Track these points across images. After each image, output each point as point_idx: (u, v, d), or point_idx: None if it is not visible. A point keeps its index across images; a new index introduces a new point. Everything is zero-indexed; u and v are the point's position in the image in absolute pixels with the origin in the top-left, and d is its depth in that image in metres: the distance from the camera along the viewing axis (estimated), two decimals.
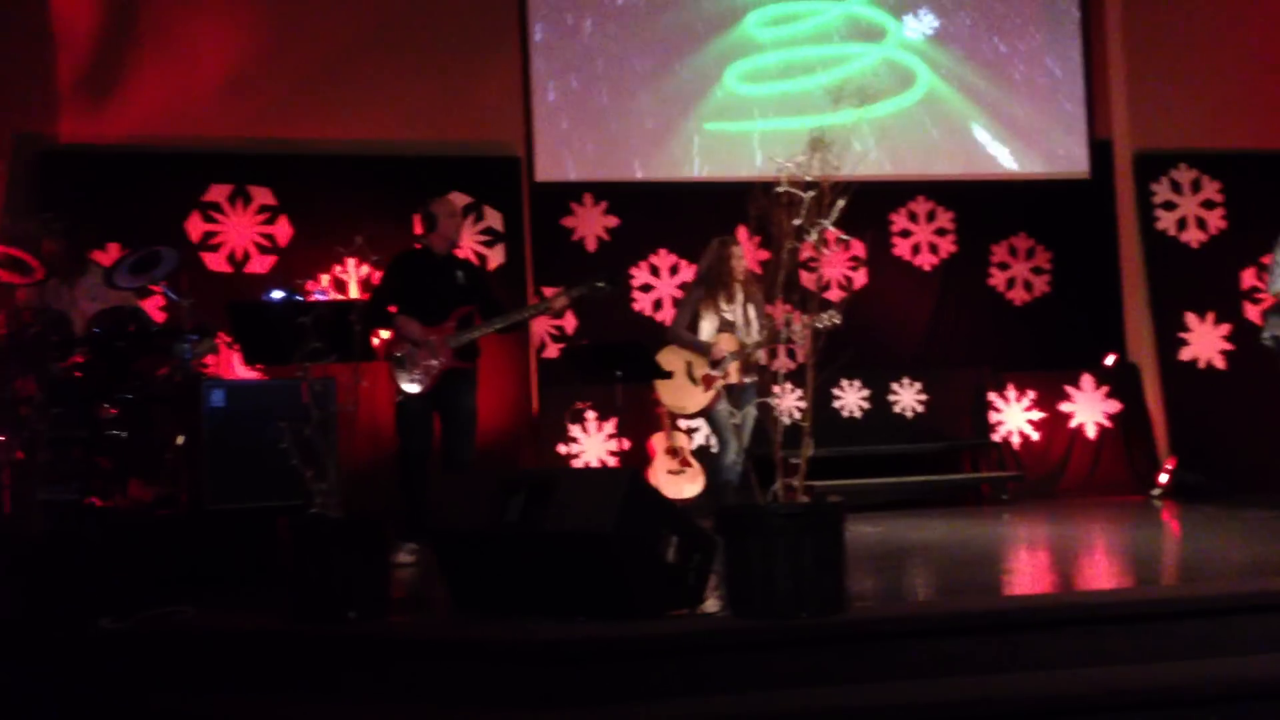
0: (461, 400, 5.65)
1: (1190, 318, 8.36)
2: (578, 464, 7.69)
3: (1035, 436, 8.34)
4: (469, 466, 5.64)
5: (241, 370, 6.41)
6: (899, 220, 8.68)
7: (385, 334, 5.82)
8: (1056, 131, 8.83)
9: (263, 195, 7.64)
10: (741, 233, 6.98)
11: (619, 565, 3.71)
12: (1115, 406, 8.39)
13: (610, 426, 7.73)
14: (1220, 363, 8.30)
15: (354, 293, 7.40)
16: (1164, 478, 7.91)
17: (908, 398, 8.24)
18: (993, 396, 8.32)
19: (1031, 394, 8.37)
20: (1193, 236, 8.49)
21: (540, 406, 7.90)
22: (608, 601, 3.74)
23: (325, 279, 7.39)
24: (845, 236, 3.87)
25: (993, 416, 8.30)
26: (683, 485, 7.20)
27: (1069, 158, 8.84)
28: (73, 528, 4.82)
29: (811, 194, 3.68)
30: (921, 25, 8.68)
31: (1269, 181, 8.34)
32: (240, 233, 7.59)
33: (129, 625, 4.03)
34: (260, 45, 7.70)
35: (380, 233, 6.57)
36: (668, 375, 6.09)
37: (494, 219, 7.93)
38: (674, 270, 8.31)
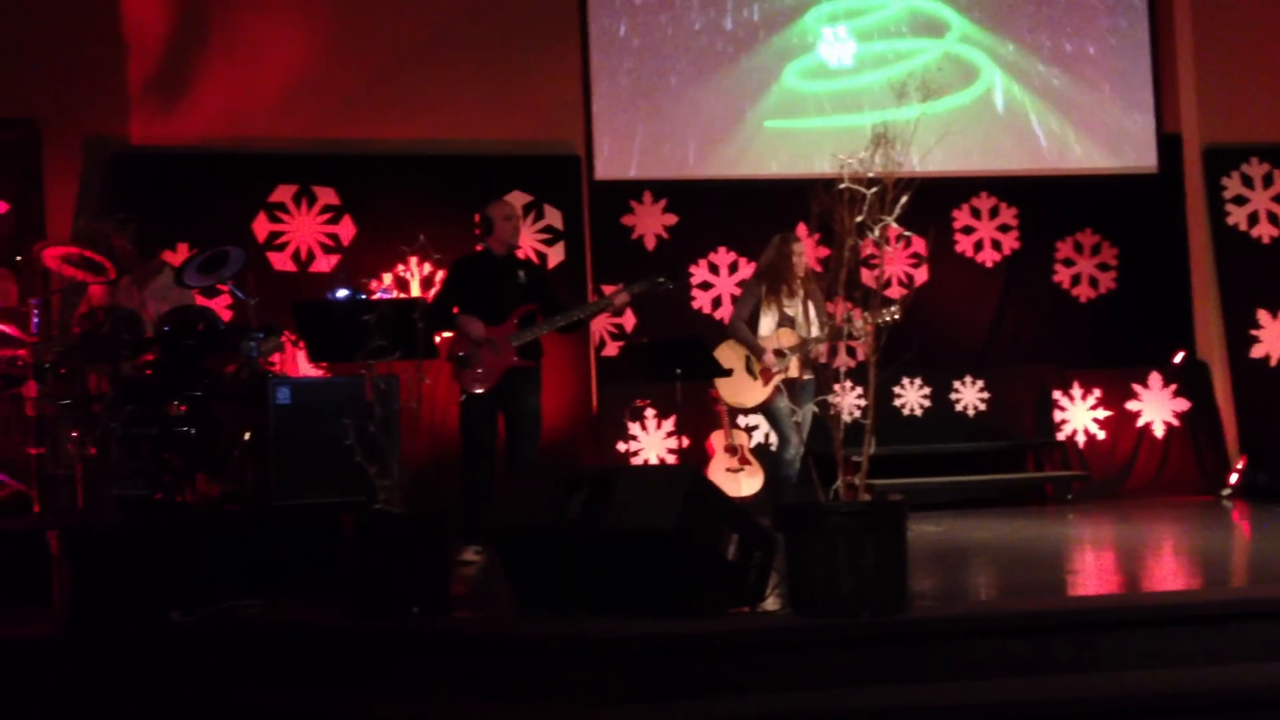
0: (526, 399, 5.67)
1: (1262, 314, 8.18)
2: (637, 461, 7.71)
3: (1101, 435, 8.21)
4: (533, 465, 5.66)
5: (306, 368, 6.50)
6: (961, 216, 8.58)
7: (448, 334, 5.87)
8: (1123, 125, 8.68)
9: (327, 195, 7.75)
10: (801, 230, 6.97)
11: (680, 563, 3.71)
12: (1184, 405, 8.24)
13: (669, 424, 7.74)
14: None
15: (416, 291, 7.47)
16: (1234, 477, 7.77)
17: (969, 396, 8.16)
18: (1057, 395, 8.20)
19: (1097, 392, 8.24)
20: (1264, 231, 8.31)
21: (599, 404, 7.93)
22: (669, 599, 3.75)
23: (388, 278, 7.47)
24: (907, 233, 3.85)
25: (1057, 415, 8.19)
26: (742, 483, 7.18)
27: (1136, 152, 8.68)
28: (144, 523, 4.93)
29: (874, 190, 3.66)
30: (984, 18, 8.57)
31: None
32: (305, 232, 7.70)
33: (198, 619, 4.12)
34: (324, 48, 7.81)
35: (442, 231, 6.62)
36: (728, 373, 6.09)
37: (554, 217, 7.96)
38: (733, 268, 8.29)
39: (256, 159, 7.67)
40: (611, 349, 8.09)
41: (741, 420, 7.47)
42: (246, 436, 5.67)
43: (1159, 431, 8.23)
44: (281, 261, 7.64)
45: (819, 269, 6.59)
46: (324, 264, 7.67)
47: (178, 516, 5.40)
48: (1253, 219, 8.32)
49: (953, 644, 3.63)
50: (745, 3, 8.42)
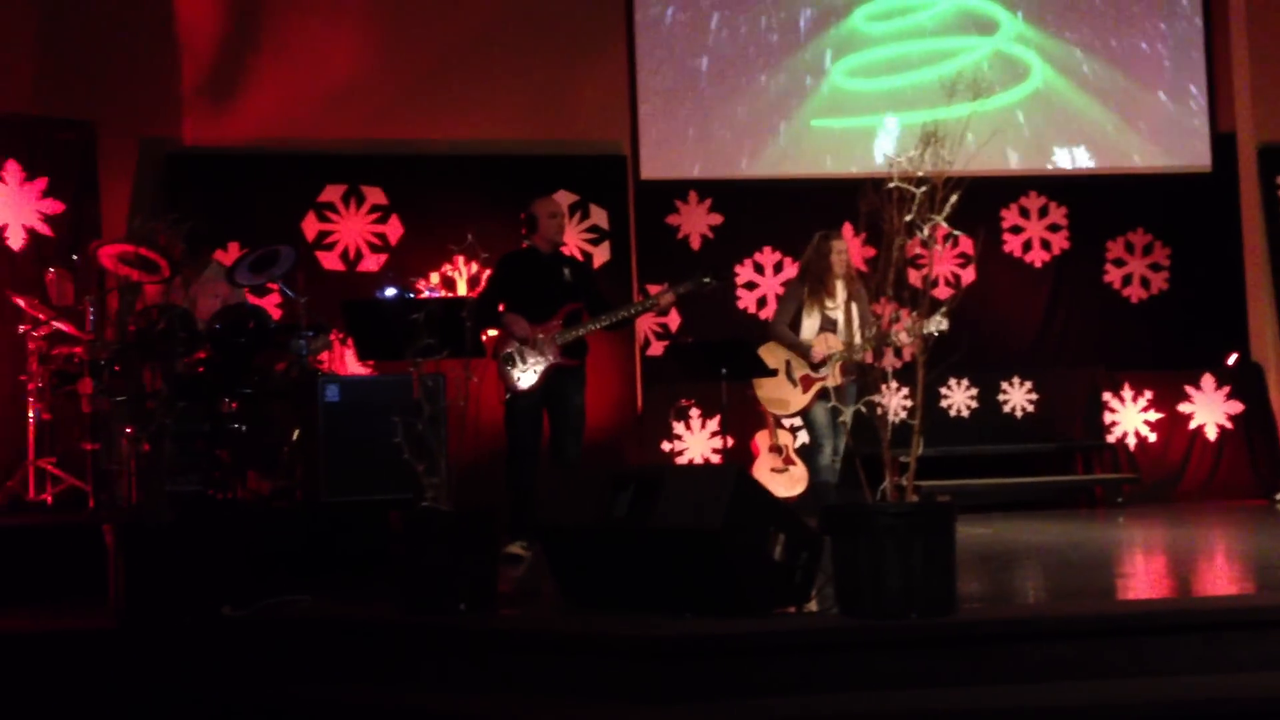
0: (570, 398, 5.68)
1: None
2: (681, 461, 7.71)
3: (1152, 438, 8.11)
4: (578, 463, 5.68)
5: (354, 366, 6.56)
6: (1010, 216, 8.51)
7: (493, 332, 5.90)
8: (1176, 124, 8.56)
9: (375, 195, 7.82)
10: (847, 230, 6.92)
11: (727, 562, 3.71)
12: (1237, 407, 8.12)
13: (714, 424, 7.73)
14: None
15: (462, 290, 7.52)
16: None
17: (1018, 397, 8.08)
18: (1107, 396, 8.11)
19: (1149, 394, 8.14)
20: None
21: (644, 404, 7.94)
22: (715, 598, 3.74)
23: (435, 277, 7.53)
24: (955, 233, 3.82)
25: (1107, 417, 8.09)
26: (786, 483, 7.16)
27: (1189, 151, 8.56)
28: (196, 518, 4.99)
29: (923, 190, 3.63)
30: (1035, 16, 8.49)
31: None
32: (353, 232, 7.78)
33: (250, 613, 4.17)
34: (372, 49, 7.90)
35: (488, 231, 6.63)
36: (773, 373, 6.05)
37: (599, 217, 7.99)
38: (778, 268, 8.27)
39: (306, 159, 7.76)
40: (656, 348, 8.09)
41: (786, 421, 7.44)
42: (296, 434, 5.74)
43: (1212, 434, 8.11)
44: (330, 261, 7.72)
45: (865, 269, 6.55)
46: (371, 263, 7.75)
47: (229, 512, 5.47)
48: None
49: (1002, 647, 3.59)
50: (793, 1, 8.39)
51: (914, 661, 3.55)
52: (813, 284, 6.05)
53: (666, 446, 7.79)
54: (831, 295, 6.02)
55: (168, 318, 5.08)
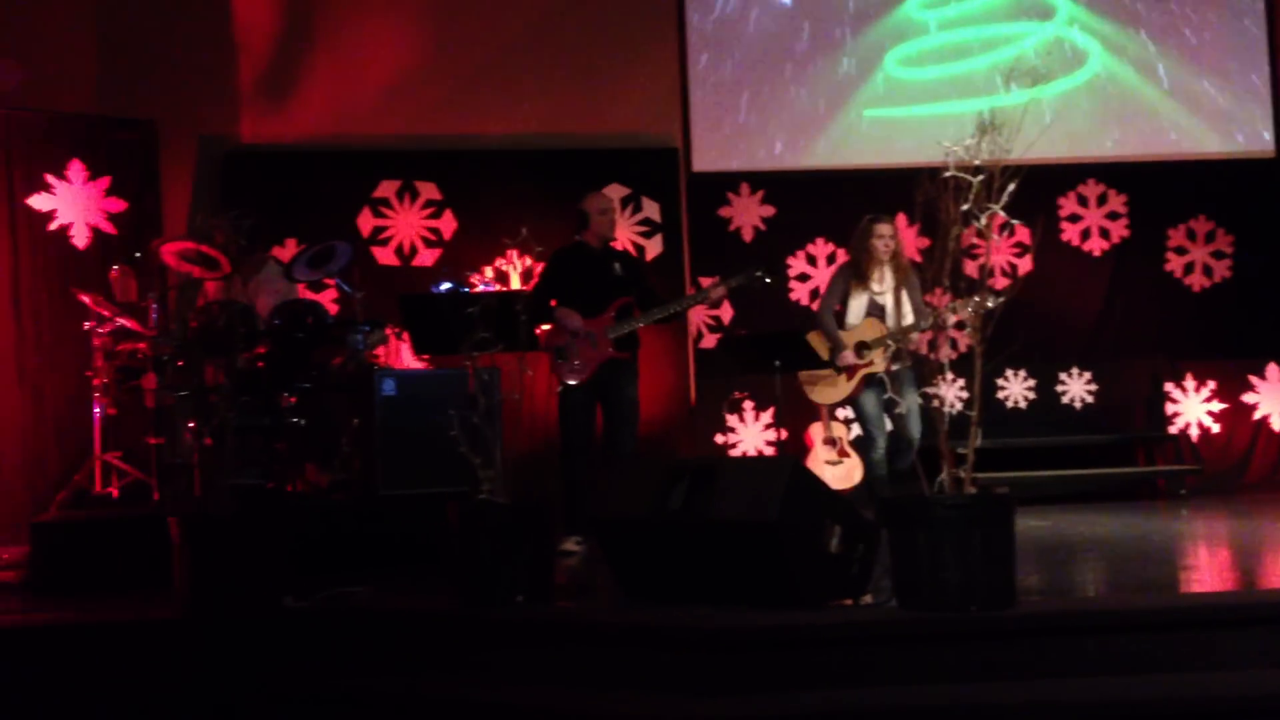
0: (623, 390, 5.68)
1: None
2: (735, 454, 7.69)
3: (1215, 429, 7.96)
4: (632, 456, 5.68)
5: (410, 360, 6.62)
6: (1067, 204, 8.38)
7: (546, 326, 5.92)
8: (1238, 109, 8.38)
9: (429, 190, 7.88)
10: (900, 220, 6.85)
11: (783, 554, 3.70)
12: None
13: (768, 416, 7.71)
14: None
15: (516, 284, 7.55)
16: None
17: (1076, 388, 7.97)
18: (1169, 387, 7.98)
19: (1211, 384, 8.00)
20: None
21: (697, 396, 7.93)
22: (771, 590, 3.74)
23: (489, 271, 7.57)
24: (1012, 222, 3.77)
25: (1169, 408, 7.97)
26: (841, 476, 7.12)
27: (1252, 136, 8.38)
28: (258, 510, 5.07)
29: (980, 178, 3.59)
30: (1093, 1, 8.35)
31: None
32: (408, 227, 7.84)
33: (310, 604, 4.23)
34: (425, 46, 7.95)
35: (542, 225, 6.65)
36: (828, 365, 5.97)
37: (651, 210, 7.98)
38: (831, 259, 8.21)
39: (361, 155, 7.83)
40: (709, 341, 8.08)
41: (840, 413, 7.40)
42: (354, 427, 5.80)
43: (1277, 424, 7.96)
44: (385, 256, 7.79)
45: (919, 259, 6.48)
46: (426, 258, 7.81)
47: (289, 505, 5.55)
48: None
49: (1063, 640, 3.56)
50: None
51: (972, 655, 3.52)
52: (858, 268, 5.97)
53: (720, 439, 7.78)
54: (878, 280, 5.90)
55: (228, 314, 5.17)
